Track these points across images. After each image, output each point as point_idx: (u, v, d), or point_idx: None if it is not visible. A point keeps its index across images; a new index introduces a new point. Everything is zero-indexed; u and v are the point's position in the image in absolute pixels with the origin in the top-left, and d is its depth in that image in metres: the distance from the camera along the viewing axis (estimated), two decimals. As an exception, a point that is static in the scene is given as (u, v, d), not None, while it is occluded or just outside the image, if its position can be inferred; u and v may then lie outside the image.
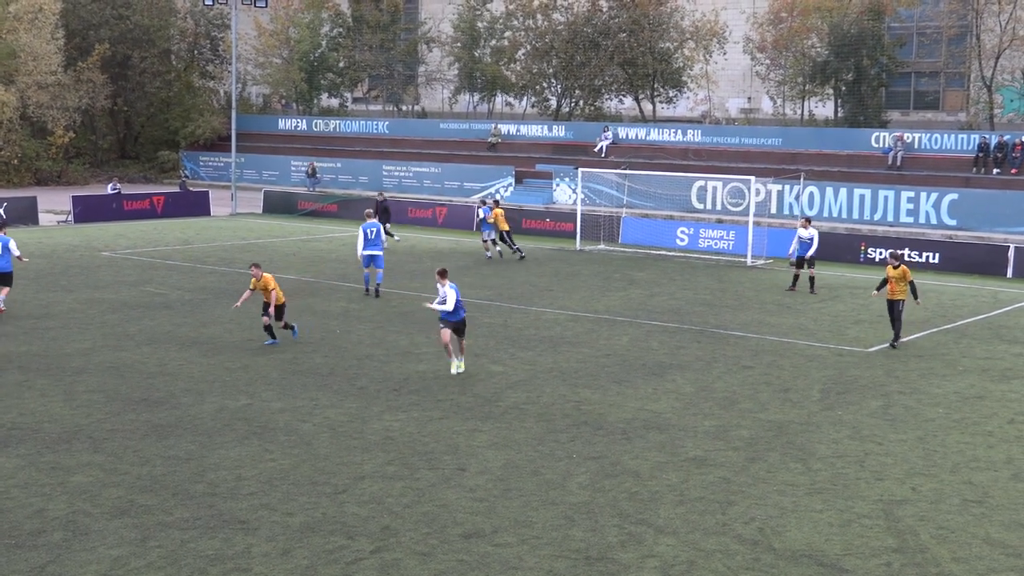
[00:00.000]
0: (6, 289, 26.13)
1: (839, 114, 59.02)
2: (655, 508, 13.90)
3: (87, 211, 47.24)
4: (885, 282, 24.30)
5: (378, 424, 17.38)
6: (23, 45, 61.99)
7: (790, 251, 32.19)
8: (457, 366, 20.80)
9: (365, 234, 29.34)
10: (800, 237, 31.43)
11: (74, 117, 64.70)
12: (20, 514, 13.28)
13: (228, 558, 12.13)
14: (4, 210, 44.89)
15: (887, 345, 24.33)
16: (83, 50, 66.59)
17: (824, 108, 60.61)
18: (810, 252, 31.25)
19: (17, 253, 26.66)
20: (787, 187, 46.38)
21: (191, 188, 57.32)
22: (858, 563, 12.37)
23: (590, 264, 37.25)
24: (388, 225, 38.50)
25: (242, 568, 11.90)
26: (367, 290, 29.90)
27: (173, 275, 32.42)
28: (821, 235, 40.51)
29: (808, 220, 32.48)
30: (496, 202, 39.14)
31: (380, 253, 29.64)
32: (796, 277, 31.87)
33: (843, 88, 57.94)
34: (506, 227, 37.96)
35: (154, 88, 70.09)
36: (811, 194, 46.44)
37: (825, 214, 46.39)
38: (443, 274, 20.66)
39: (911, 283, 23.99)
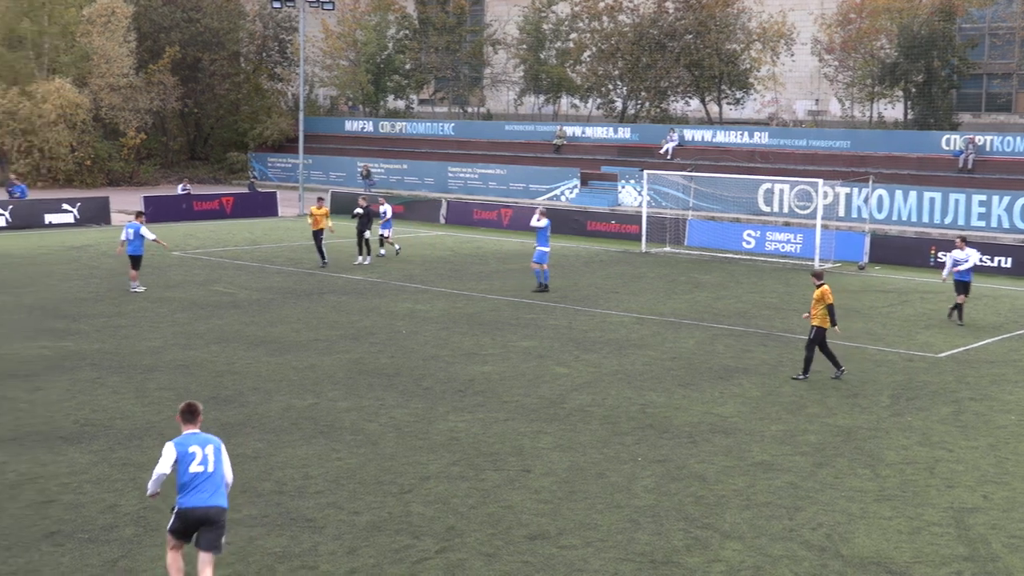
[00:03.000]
0: (134, 272, 29.33)
1: (909, 116, 58.27)
2: (721, 512, 13.82)
3: (158, 211, 47.83)
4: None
5: (443, 425, 17.45)
6: (96, 48, 63.02)
7: (944, 276, 28.50)
8: None
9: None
10: (956, 259, 27.57)
11: (145, 119, 65.60)
12: (93, 509, 13.50)
13: (295, 556, 12.24)
14: (78, 210, 45.69)
15: (957, 351, 24.01)
16: (154, 53, 67.52)
17: (893, 110, 59.87)
18: (967, 275, 27.45)
19: (153, 237, 29.57)
20: (855, 190, 45.87)
21: (259, 189, 57.90)
22: (928, 571, 12.21)
23: (655, 267, 37.11)
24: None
25: (309, 566, 12.00)
26: (540, 284, 30.84)
27: (241, 275, 32.78)
28: (889, 239, 40.37)
29: (964, 239, 28.55)
30: (320, 199, 37.40)
31: (543, 249, 30.52)
32: (958, 307, 27.47)
33: (913, 90, 57.18)
34: (321, 226, 35.18)
35: (223, 90, 70.88)
36: (880, 197, 45.90)
37: (894, 217, 45.84)
38: (189, 414, 11.19)
39: (829, 307, 20.77)
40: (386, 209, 38.11)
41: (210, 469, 10.86)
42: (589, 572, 12.01)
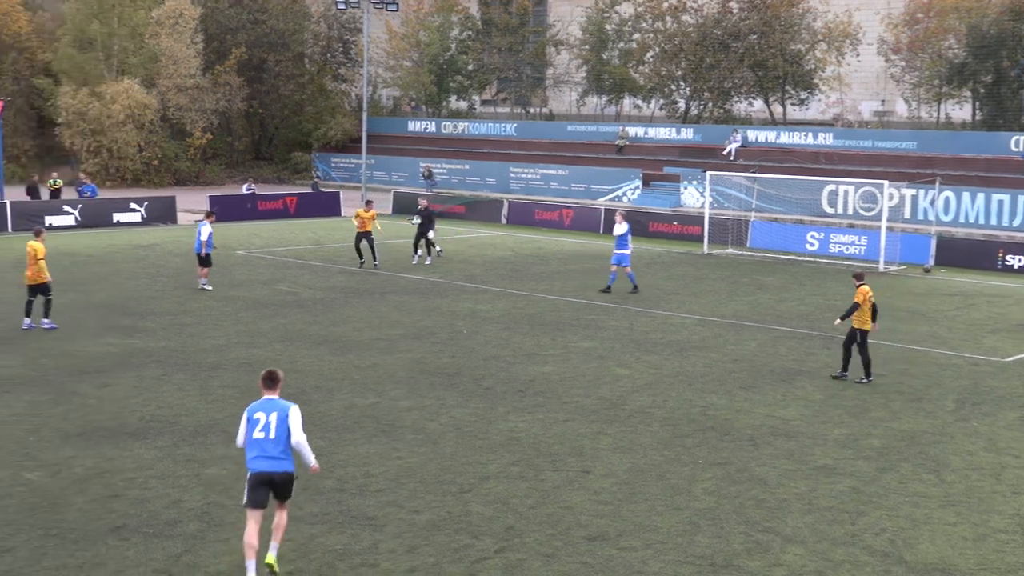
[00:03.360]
0: (205, 270, 29.65)
1: (977, 117, 57.43)
2: (783, 516, 13.72)
3: (223, 211, 48.21)
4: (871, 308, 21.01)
5: (503, 425, 17.48)
6: (164, 49, 63.93)
7: None
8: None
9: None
10: None
11: (211, 119, 66.42)
12: (158, 504, 13.69)
13: (356, 553, 12.33)
14: (145, 209, 46.33)
15: (1020, 356, 23.66)
16: (221, 54, 68.35)
17: (961, 111, 59.03)
18: None
19: (203, 238, 29.32)
20: (921, 192, 45.31)
21: (323, 189, 58.38)
22: (993, 579, 12.04)
23: (717, 268, 36.90)
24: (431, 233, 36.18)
25: (369, 563, 12.08)
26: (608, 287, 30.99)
27: (305, 274, 33.07)
28: (955, 241, 39.81)
29: None
30: (369, 201, 36.58)
31: (624, 252, 30.68)
32: None
33: (981, 90, 56.36)
34: (368, 228, 34.53)
35: (288, 91, 71.58)
36: (947, 199, 45.30)
37: (962, 220, 45.22)
38: (269, 380, 11.99)
39: (853, 305, 20.87)
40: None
41: (271, 436, 11.47)
42: (648, 574, 11.97)
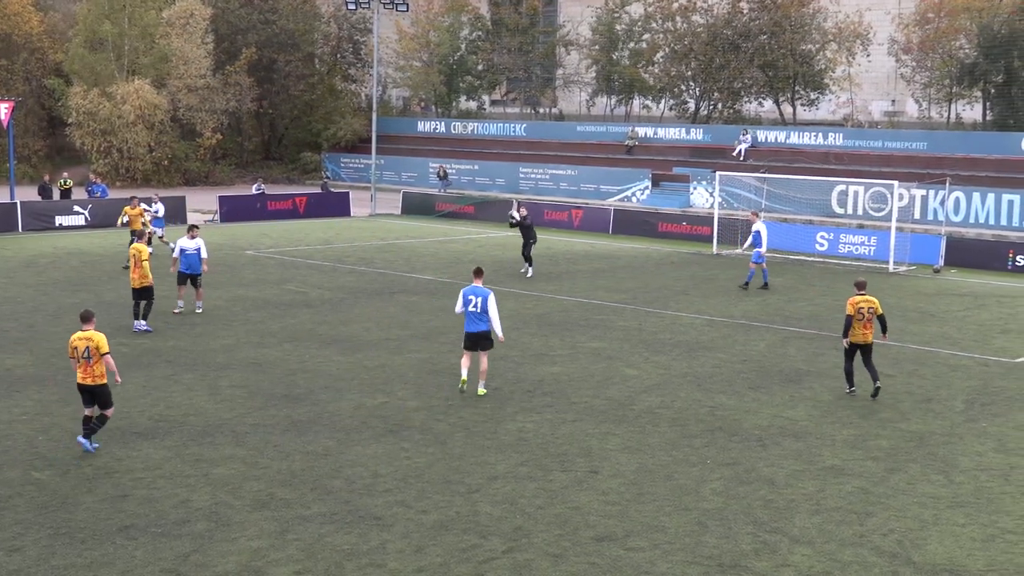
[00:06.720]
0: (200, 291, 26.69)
1: (988, 117, 57.29)
2: (790, 517, 13.70)
3: (233, 211, 48.54)
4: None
5: (512, 425, 17.48)
6: (175, 49, 64.08)
7: None
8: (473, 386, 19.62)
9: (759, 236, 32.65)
10: None
11: (222, 119, 66.55)
12: (166, 504, 13.72)
13: (363, 553, 12.35)
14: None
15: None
16: (231, 54, 68.47)
17: (972, 111, 58.90)
18: None
19: (176, 252, 26.67)
20: (932, 192, 45.21)
21: (332, 189, 58.44)
22: (1002, 580, 12.01)
23: (727, 268, 36.85)
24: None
25: (377, 563, 12.09)
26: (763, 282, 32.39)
27: (314, 274, 33.11)
28: (966, 242, 39.72)
29: None
30: (134, 197, 35.09)
31: (757, 249, 32.31)
32: None
33: (992, 90, 56.21)
34: (136, 227, 33.17)
35: (298, 91, 71.66)
36: (957, 200, 45.20)
37: (971, 220, 45.12)
38: (477, 273, 19.62)
39: (846, 320, 19.74)
40: (158, 208, 37.29)
41: (478, 311, 18.73)
42: (656, 575, 11.97)
